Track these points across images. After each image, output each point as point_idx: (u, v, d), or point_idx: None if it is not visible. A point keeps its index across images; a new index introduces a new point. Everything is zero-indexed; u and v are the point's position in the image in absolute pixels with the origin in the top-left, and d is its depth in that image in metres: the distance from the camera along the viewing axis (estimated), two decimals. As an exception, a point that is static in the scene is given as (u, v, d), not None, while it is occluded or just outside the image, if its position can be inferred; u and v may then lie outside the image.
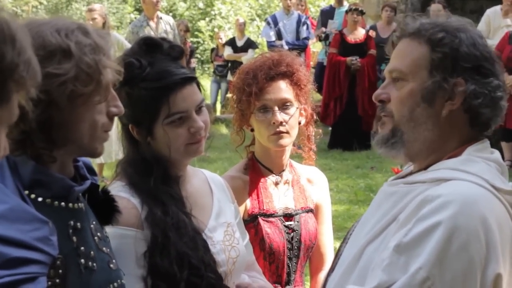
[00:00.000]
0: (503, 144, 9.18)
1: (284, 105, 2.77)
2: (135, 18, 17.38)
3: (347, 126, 10.61)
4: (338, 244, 2.15)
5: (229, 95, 14.58)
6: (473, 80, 1.86)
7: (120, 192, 2.20)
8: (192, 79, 2.25)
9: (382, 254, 1.79)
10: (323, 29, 12.22)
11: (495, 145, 8.86)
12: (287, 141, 2.80)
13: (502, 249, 1.74)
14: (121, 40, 9.08)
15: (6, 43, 1.23)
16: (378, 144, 1.98)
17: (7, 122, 1.27)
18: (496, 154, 1.94)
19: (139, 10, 18.49)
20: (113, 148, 8.34)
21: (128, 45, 8.43)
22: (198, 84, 2.29)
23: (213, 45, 17.39)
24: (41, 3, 22.22)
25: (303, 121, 2.87)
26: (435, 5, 10.69)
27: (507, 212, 1.81)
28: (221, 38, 15.66)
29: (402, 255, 1.73)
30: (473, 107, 1.87)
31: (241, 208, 2.79)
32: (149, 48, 2.23)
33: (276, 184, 2.90)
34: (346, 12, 11.12)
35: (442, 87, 1.86)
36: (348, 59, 10.70)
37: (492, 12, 10.12)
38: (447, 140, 1.91)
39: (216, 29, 20.09)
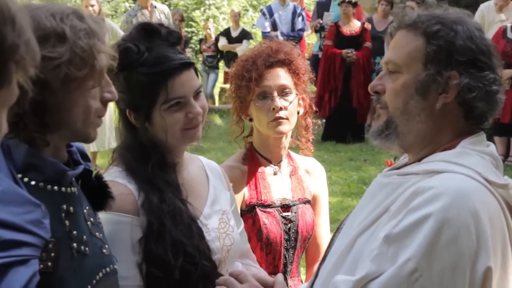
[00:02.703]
0: (496, 139, 9.21)
1: (283, 91, 2.78)
2: (130, 7, 17.35)
3: (341, 118, 10.62)
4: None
5: (224, 85, 14.60)
6: (468, 73, 1.84)
7: (117, 178, 2.20)
8: (190, 65, 2.25)
9: (372, 244, 1.78)
10: (320, 20, 12.20)
11: (488, 139, 8.88)
12: (287, 128, 2.80)
13: (493, 243, 1.73)
14: (115, 28, 9.07)
15: (7, 24, 1.22)
16: (373, 136, 1.98)
17: (8, 103, 1.27)
18: (492, 147, 1.92)
19: (134, -1, 18.46)
20: (106, 137, 8.34)
21: (122, 34, 8.42)
22: (196, 70, 2.28)
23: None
24: (35, -10, 22.07)
25: (301, 111, 2.88)
26: (409, 2, 10.71)
27: (500, 205, 1.80)
28: (209, 29, 15.61)
29: (391, 246, 1.72)
30: (467, 100, 1.86)
31: (239, 198, 2.79)
32: (147, 33, 2.22)
33: (274, 174, 2.90)
34: (338, 4, 11.09)
35: (436, 80, 1.85)
36: (344, 51, 10.69)
37: (486, 7, 10.12)
38: (441, 133, 1.89)
39: (211, 19, 20.03)
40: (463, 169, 1.80)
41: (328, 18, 12.03)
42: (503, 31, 9.07)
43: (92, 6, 8.57)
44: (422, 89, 1.87)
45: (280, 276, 2.17)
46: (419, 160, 1.92)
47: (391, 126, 1.92)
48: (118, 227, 2.11)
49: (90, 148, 7.88)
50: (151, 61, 2.19)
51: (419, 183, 1.79)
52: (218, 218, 2.37)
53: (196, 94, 2.24)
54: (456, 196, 1.72)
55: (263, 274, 2.38)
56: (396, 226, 1.74)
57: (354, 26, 10.95)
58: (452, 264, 1.68)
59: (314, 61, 11.72)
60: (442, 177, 1.79)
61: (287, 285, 2.76)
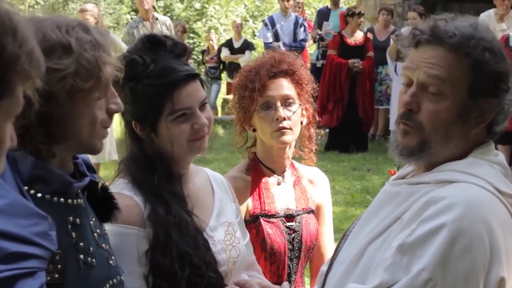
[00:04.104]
0: (499, 147, 9.20)
1: (286, 101, 2.78)
2: (132, 19, 17.40)
3: (345, 128, 10.63)
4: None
5: (226, 96, 14.62)
6: (505, 99, 1.86)
7: (123, 189, 2.20)
8: (195, 76, 2.26)
9: (385, 253, 1.78)
10: (318, 31, 12.24)
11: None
12: (290, 138, 2.79)
13: (506, 253, 1.73)
14: (116, 41, 9.07)
15: (7, 34, 1.21)
16: (402, 154, 1.90)
17: (11, 114, 1.27)
18: (500, 156, 1.93)
19: (136, 11, 18.55)
20: (107, 149, 8.32)
21: (124, 46, 8.44)
22: (201, 81, 2.29)
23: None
24: (37, 3, 22.22)
25: (304, 121, 2.88)
26: (411, 13, 10.75)
27: (510, 215, 1.80)
28: (212, 40, 15.66)
29: (405, 256, 1.72)
30: (495, 121, 1.88)
31: (243, 209, 2.78)
32: (152, 45, 2.23)
33: (278, 184, 2.90)
34: (347, 15, 11.11)
35: (480, 108, 1.84)
36: (350, 61, 10.72)
37: (486, 16, 10.11)
38: (466, 150, 1.89)
39: (213, 30, 20.08)
40: (475, 179, 1.80)
41: (328, 27, 12.06)
42: (506, 40, 9.06)
43: (85, 20, 8.55)
44: (464, 115, 1.84)
45: (286, 284, 2.17)
46: (431, 169, 1.91)
47: (425, 149, 1.87)
48: (124, 239, 2.11)
49: (91, 160, 7.85)
50: (156, 73, 2.19)
51: (431, 193, 1.79)
52: (224, 230, 2.36)
53: (202, 105, 2.24)
54: (469, 206, 1.72)
55: (269, 283, 2.37)
56: (410, 235, 1.74)
57: (358, 36, 10.98)
58: (466, 274, 1.68)
59: (313, 70, 11.74)
60: (455, 187, 1.79)
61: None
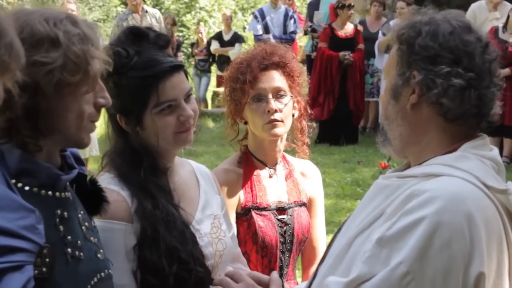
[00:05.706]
0: (489, 139, 9.20)
1: (278, 93, 2.78)
2: (122, 11, 17.34)
3: (336, 120, 10.63)
4: (328, 239, 2.14)
5: (216, 89, 14.59)
6: (424, 69, 1.82)
7: (110, 184, 2.17)
8: (179, 67, 2.23)
9: (365, 246, 1.77)
10: (309, 23, 12.23)
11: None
12: (282, 130, 2.79)
13: (488, 248, 1.71)
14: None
15: None
16: (378, 142, 2.03)
17: None
18: (494, 151, 1.90)
19: (126, 4, 18.46)
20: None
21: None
22: (186, 73, 2.27)
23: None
24: (26, -4, 22.10)
25: (296, 114, 2.87)
26: (399, 3, 10.76)
27: (497, 211, 1.77)
28: (201, 33, 15.63)
29: (384, 248, 1.71)
30: (431, 98, 1.83)
31: (234, 202, 2.79)
32: (135, 37, 2.21)
33: (270, 177, 2.89)
34: (336, 7, 11.09)
35: (403, 82, 1.86)
36: (341, 54, 10.70)
37: (477, 7, 10.14)
38: (423, 134, 1.87)
39: (202, 23, 20.05)
40: (460, 173, 1.78)
41: (319, 16, 12.03)
42: (494, 32, 9.06)
43: (71, 11, 8.54)
44: (394, 93, 1.89)
45: (275, 273, 2.16)
46: (421, 163, 1.90)
47: (382, 133, 1.97)
48: (112, 234, 2.08)
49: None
50: (140, 65, 2.17)
51: (414, 186, 1.78)
52: (210, 222, 2.35)
53: (187, 97, 2.22)
54: (450, 199, 1.70)
55: (258, 273, 2.37)
56: (390, 228, 1.72)
57: (348, 28, 10.98)
58: (445, 268, 1.67)
59: (308, 62, 11.73)
60: (438, 181, 1.77)
61: (283, 286, 2.75)
